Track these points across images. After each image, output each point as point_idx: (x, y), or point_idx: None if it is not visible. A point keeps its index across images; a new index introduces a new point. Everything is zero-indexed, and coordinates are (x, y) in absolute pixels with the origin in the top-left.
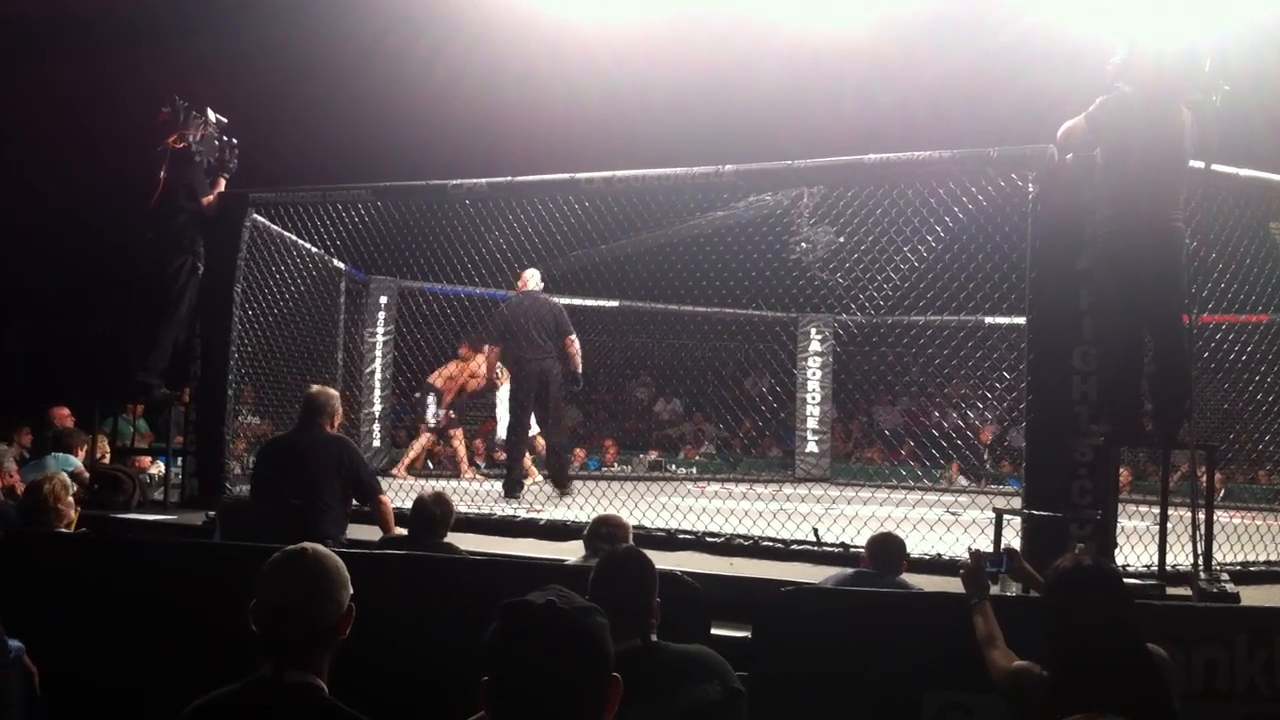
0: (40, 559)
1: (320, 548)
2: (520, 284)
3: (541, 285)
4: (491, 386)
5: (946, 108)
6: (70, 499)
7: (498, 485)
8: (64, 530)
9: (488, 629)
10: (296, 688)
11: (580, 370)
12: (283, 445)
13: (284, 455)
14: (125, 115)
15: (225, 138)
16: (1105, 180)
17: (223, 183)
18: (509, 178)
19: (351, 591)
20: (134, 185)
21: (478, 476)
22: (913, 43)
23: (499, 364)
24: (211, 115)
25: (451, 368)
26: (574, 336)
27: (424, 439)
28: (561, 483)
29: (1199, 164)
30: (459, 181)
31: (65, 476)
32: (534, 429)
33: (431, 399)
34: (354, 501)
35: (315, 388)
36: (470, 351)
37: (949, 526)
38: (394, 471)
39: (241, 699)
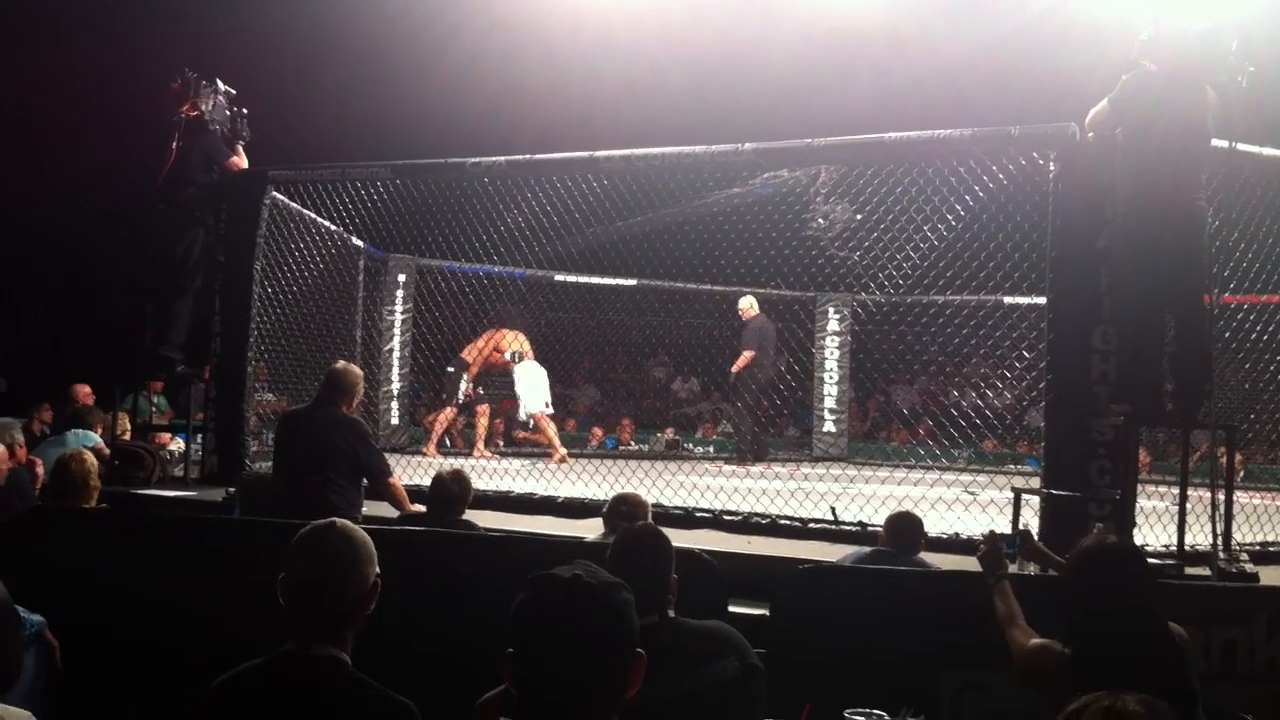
0: (64, 534)
1: (348, 524)
2: (748, 313)
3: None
4: (507, 365)
5: (966, 86)
6: (98, 478)
7: (514, 463)
8: (87, 506)
9: (514, 602)
10: (322, 661)
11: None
12: (298, 421)
13: (299, 432)
14: (142, 99)
15: (235, 107)
16: (1126, 158)
17: (242, 148)
18: (528, 156)
19: (377, 568)
20: (149, 165)
21: (492, 455)
22: (932, 20)
23: (518, 343)
24: (220, 84)
25: (481, 341)
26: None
27: (447, 413)
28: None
29: (1222, 143)
30: (478, 159)
31: (92, 456)
32: (549, 408)
33: (463, 374)
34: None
35: (340, 364)
36: (500, 331)
37: (967, 506)
38: (424, 450)
39: (268, 672)
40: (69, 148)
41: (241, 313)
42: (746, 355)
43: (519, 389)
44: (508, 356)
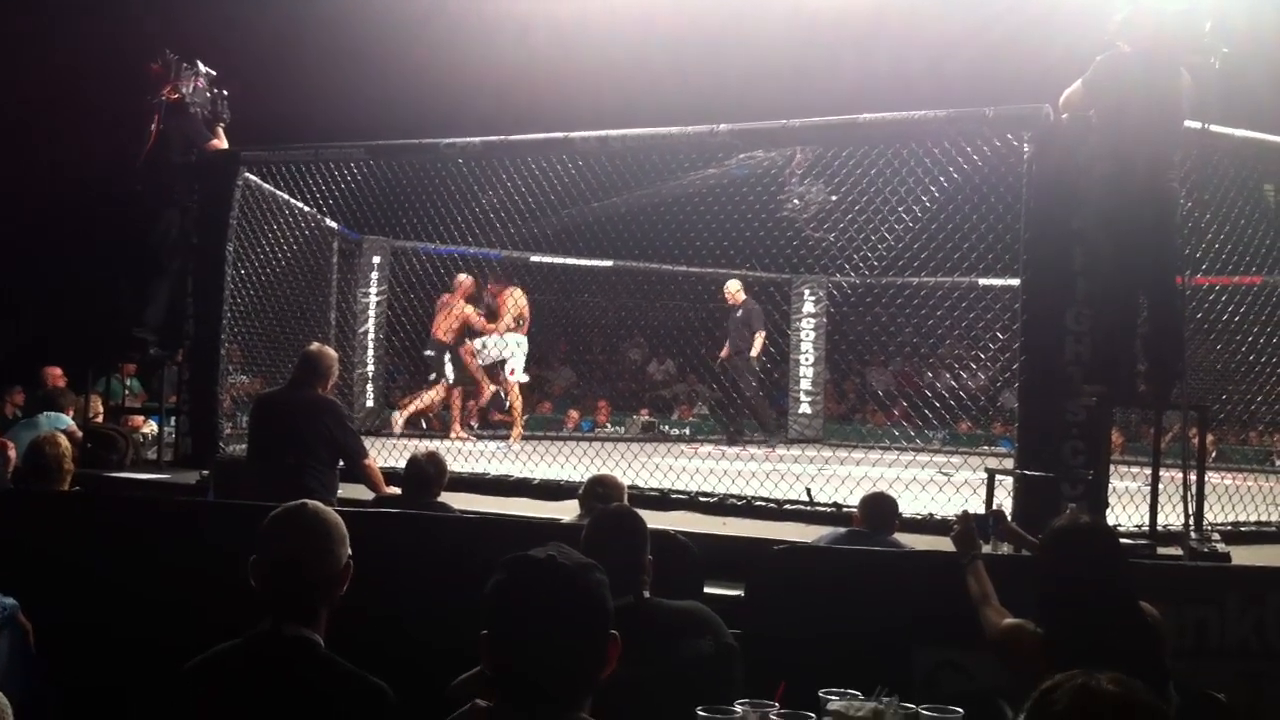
0: (37, 516)
1: (319, 504)
2: (737, 297)
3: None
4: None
5: (946, 68)
6: (71, 460)
7: (490, 445)
8: (61, 489)
9: (489, 583)
10: (295, 642)
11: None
12: (274, 403)
13: (275, 414)
14: (115, 82)
15: (216, 89)
16: (1101, 139)
17: (222, 130)
18: (503, 137)
19: (349, 548)
20: (126, 149)
21: (468, 437)
22: (913, 3)
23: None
24: (201, 66)
25: (440, 317)
26: None
27: (440, 393)
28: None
29: (1196, 124)
30: (452, 140)
31: (65, 439)
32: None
33: (447, 356)
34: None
35: (315, 346)
36: (451, 297)
37: (941, 487)
38: (396, 411)
39: (241, 653)
40: (69, 147)
41: (215, 294)
42: (761, 336)
43: (511, 353)
44: (509, 320)
